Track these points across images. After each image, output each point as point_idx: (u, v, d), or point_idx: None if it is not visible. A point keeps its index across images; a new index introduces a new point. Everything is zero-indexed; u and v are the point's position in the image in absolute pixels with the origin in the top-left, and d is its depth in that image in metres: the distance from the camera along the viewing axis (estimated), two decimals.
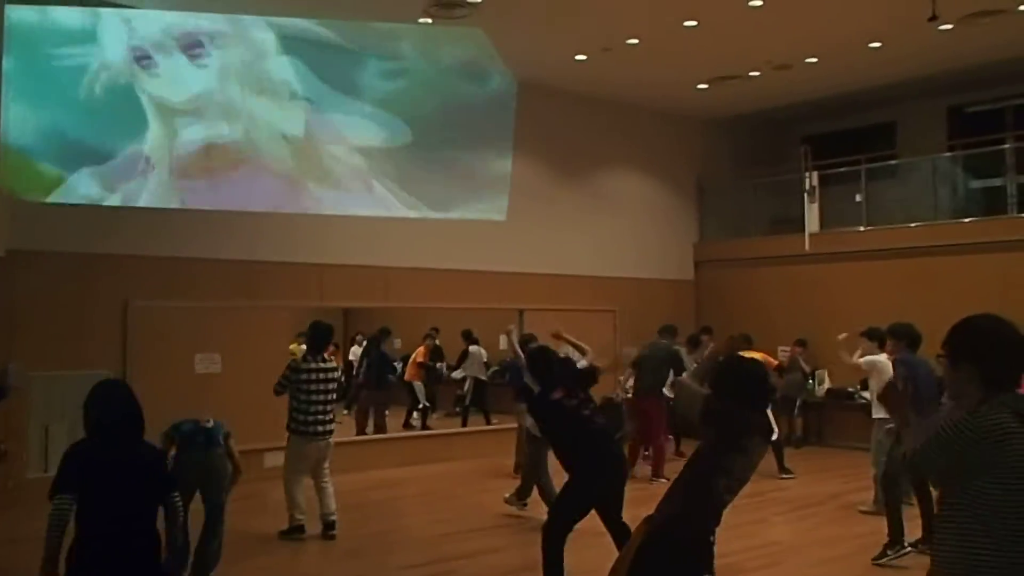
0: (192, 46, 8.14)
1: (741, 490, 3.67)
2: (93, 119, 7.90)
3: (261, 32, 8.47)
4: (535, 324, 11.03)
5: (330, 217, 9.92)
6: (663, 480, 9.40)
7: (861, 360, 7.99)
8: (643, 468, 9.82)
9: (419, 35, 9.73)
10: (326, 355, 7.31)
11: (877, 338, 7.89)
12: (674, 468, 10.09)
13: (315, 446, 7.14)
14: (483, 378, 13.26)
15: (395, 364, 13.06)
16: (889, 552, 6.30)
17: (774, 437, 9.84)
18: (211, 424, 5.99)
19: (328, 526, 7.18)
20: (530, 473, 7.89)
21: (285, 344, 10.20)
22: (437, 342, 14.06)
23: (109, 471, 3.62)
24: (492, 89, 9.99)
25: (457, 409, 14.43)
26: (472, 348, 13.59)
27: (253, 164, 8.47)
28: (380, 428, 11.83)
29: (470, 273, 11.43)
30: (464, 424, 12.90)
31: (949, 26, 9.91)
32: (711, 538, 3.63)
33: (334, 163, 9.39)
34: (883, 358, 7.60)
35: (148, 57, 7.99)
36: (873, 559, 6.33)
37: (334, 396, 7.37)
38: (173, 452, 5.84)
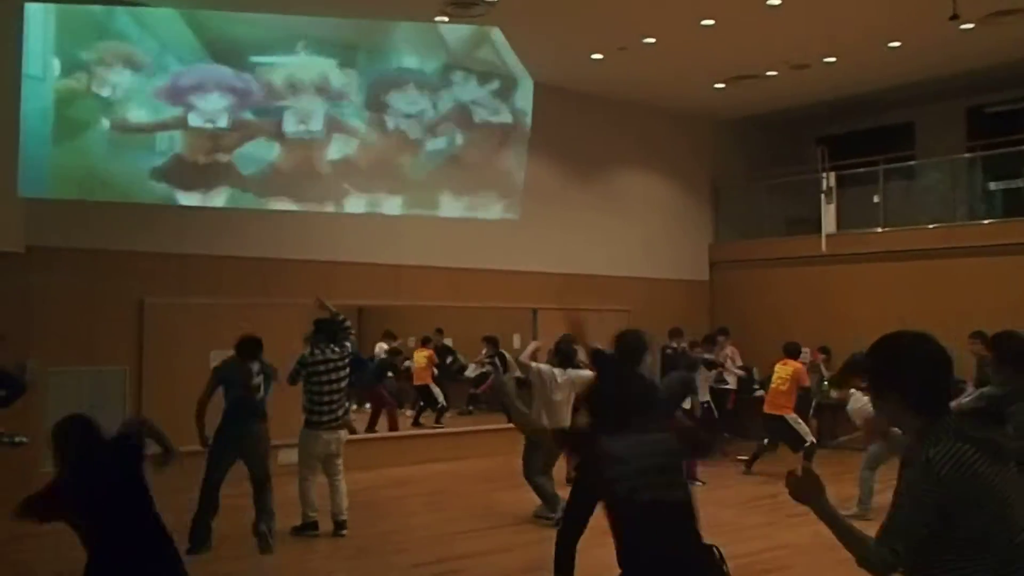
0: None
1: (668, 490, 3.17)
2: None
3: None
4: (548, 324, 11.02)
5: (344, 215, 9.94)
6: (698, 483, 9.37)
7: None
8: None
9: (436, 35, 9.75)
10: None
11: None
12: (722, 470, 10.08)
13: (323, 439, 7.17)
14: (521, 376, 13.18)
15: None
16: None
17: (808, 443, 9.86)
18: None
19: (339, 525, 7.21)
20: (527, 472, 7.86)
21: (299, 341, 10.21)
22: (446, 341, 14.10)
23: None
24: (508, 89, 9.99)
25: (470, 408, 14.47)
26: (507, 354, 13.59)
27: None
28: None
29: (483, 272, 11.43)
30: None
31: (970, 25, 9.81)
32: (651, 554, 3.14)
33: (360, 167, 9.47)
34: None
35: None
36: None
37: (343, 384, 7.31)
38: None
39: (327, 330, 7.32)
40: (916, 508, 2.29)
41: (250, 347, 6.94)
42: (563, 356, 8.05)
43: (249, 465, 6.80)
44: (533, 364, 7.94)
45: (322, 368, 7.16)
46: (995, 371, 4.78)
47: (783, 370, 10.08)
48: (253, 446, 6.77)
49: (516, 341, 13.84)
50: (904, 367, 2.41)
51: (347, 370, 7.33)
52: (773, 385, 10.05)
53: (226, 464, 6.76)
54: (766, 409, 10.04)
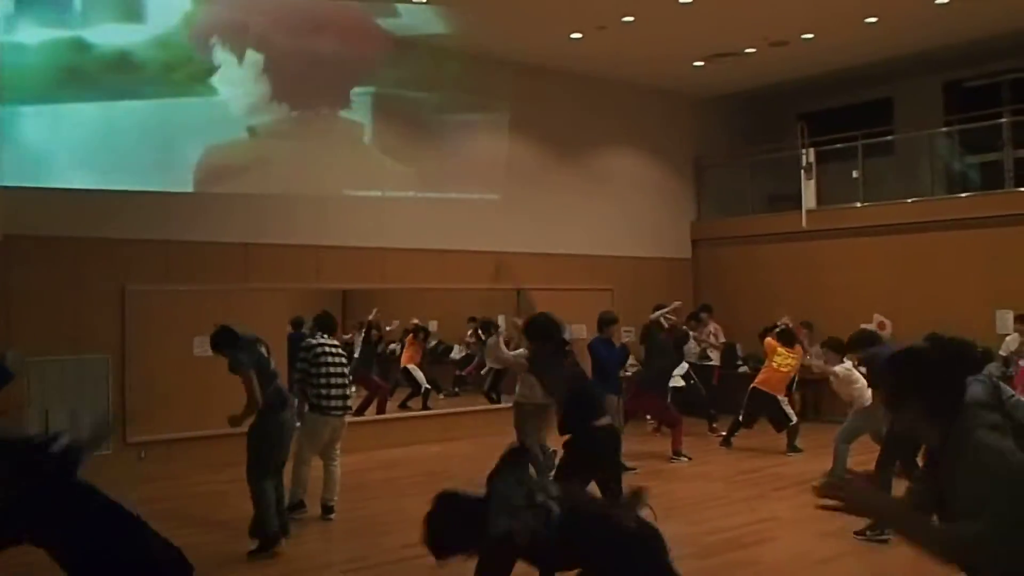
0: None
1: None
2: None
3: None
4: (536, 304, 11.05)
5: (327, 199, 9.89)
6: (683, 459, 9.43)
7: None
8: (663, 445, 10.01)
9: (418, 16, 9.69)
10: None
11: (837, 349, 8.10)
12: (706, 445, 10.20)
13: (331, 424, 7.12)
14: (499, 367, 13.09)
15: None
16: (868, 532, 6.32)
17: (793, 421, 9.96)
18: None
19: (327, 510, 7.20)
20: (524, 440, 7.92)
21: (283, 326, 10.20)
22: (430, 325, 14.19)
23: None
24: (487, 70, 9.95)
25: (456, 390, 14.54)
26: (490, 340, 13.47)
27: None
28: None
29: (467, 253, 11.42)
30: (497, 400, 12.77)
31: (945, 0, 9.85)
32: None
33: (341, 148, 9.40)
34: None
35: None
36: (855, 532, 6.36)
37: (347, 371, 7.39)
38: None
39: (325, 324, 7.37)
40: (1005, 488, 2.22)
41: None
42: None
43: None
44: (509, 354, 7.95)
45: (328, 350, 7.17)
46: None
47: (790, 356, 9.97)
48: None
49: (501, 322, 13.87)
50: (923, 380, 2.43)
51: (345, 357, 7.43)
52: (774, 366, 9.96)
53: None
54: (761, 386, 10.00)
